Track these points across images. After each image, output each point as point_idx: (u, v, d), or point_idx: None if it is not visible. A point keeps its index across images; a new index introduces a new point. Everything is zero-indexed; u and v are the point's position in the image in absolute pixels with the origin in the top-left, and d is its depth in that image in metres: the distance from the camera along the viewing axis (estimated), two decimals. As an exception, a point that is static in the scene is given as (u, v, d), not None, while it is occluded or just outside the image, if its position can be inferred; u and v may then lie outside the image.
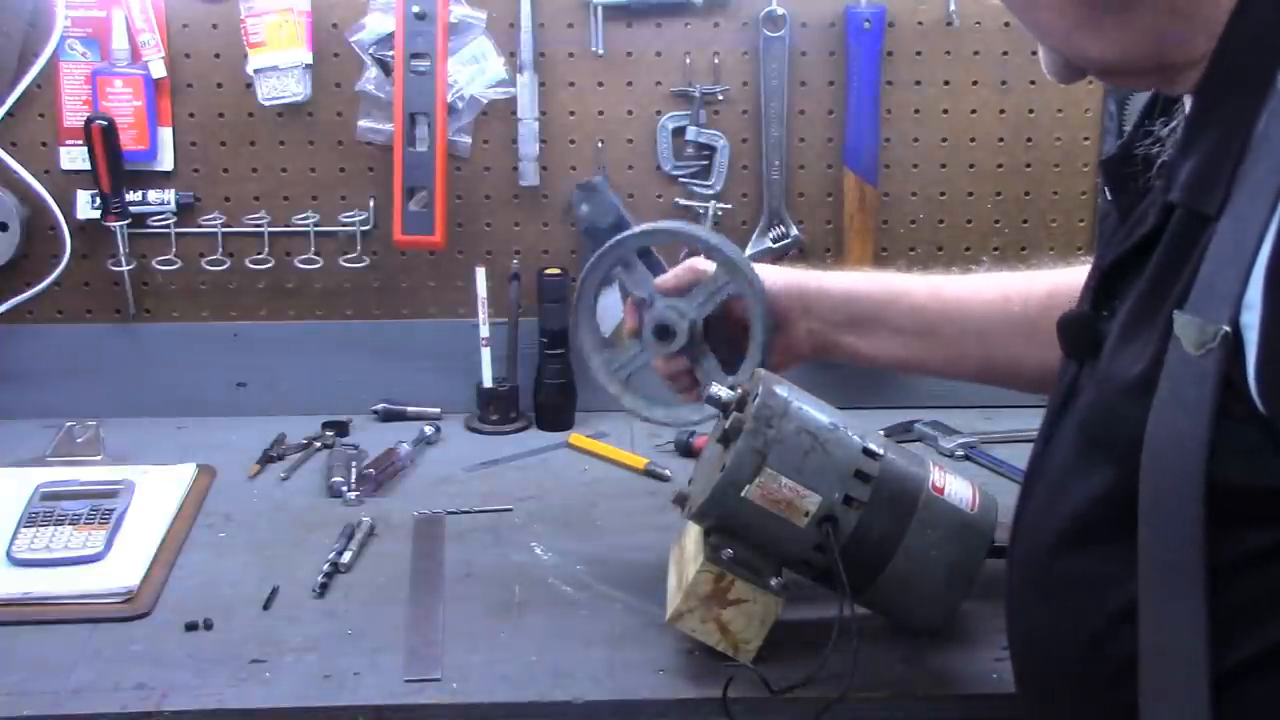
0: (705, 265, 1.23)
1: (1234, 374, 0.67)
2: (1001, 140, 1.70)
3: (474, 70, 1.62)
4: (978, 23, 1.65)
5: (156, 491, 1.41)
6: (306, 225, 1.66)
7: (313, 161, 1.67)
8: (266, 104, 1.61)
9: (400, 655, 1.12)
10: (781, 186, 1.67)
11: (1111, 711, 0.78)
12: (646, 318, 1.24)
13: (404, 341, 1.70)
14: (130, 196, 1.62)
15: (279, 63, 1.59)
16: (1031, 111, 1.69)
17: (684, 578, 1.11)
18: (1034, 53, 0.91)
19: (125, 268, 1.64)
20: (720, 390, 1.11)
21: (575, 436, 1.62)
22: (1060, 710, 0.86)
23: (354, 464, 1.50)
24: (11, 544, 1.27)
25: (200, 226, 1.66)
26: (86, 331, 1.68)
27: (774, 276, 1.23)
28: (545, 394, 1.67)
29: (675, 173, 1.68)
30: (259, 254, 1.67)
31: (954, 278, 1.24)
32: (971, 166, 1.71)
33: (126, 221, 1.62)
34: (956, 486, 1.11)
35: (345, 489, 1.44)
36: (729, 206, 1.68)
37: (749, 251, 1.68)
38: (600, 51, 1.64)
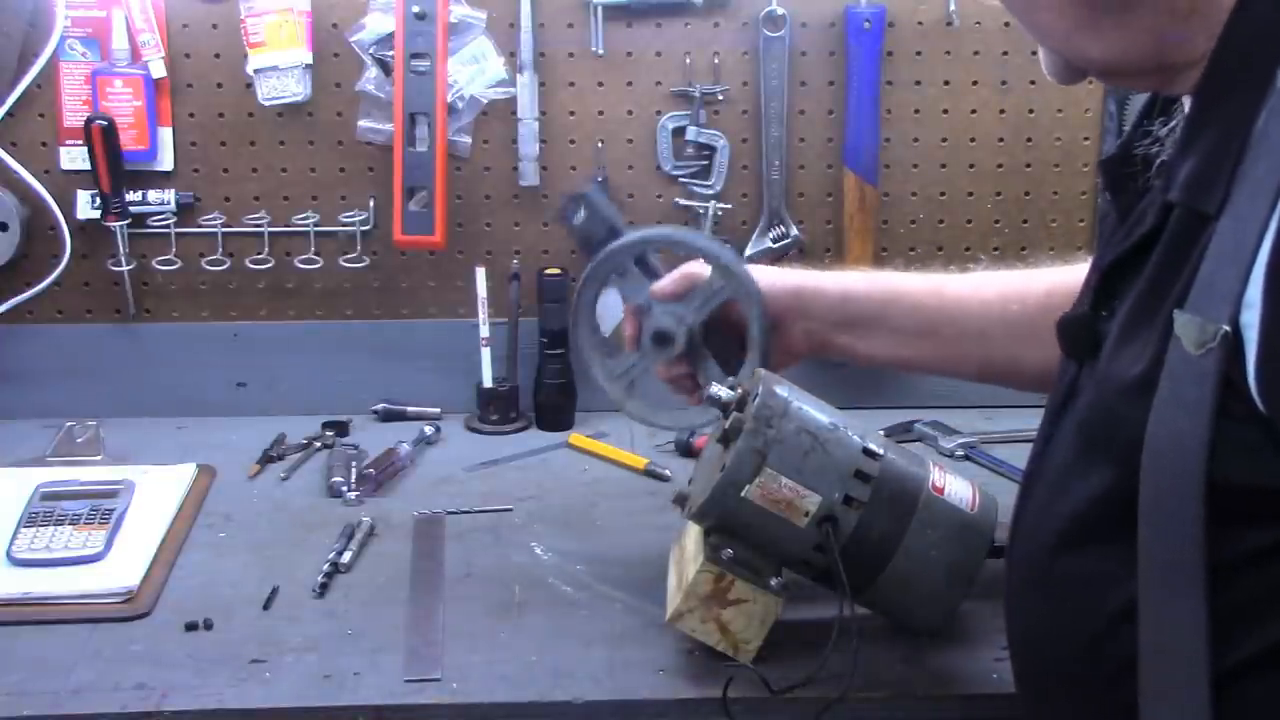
0: (701, 270, 1.23)
1: (1234, 373, 0.67)
2: (1001, 140, 1.70)
3: (474, 70, 1.62)
4: (978, 23, 1.65)
5: (156, 491, 1.41)
6: (306, 225, 1.66)
7: (313, 161, 1.67)
8: (266, 104, 1.61)
9: (400, 655, 1.12)
10: (781, 186, 1.67)
11: (1111, 711, 0.78)
12: (645, 325, 1.24)
13: (404, 341, 1.70)
14: (130, 196, 1.63)
15: (279, 63, 1.59)
16: (1031, 111, 1.69)
17: (684, 578, 1.11)
18: (1034, 53, 0.91)
19: (125, 268, 1.64)
20: (720, 390, 1.11)
21: (575, 436, 1.62)
22: (1060, 710, 0.86)
23: (354, 464, 1.50)
24: (11, 544, 1.27)
25: (200, 226, 1.66)
26: (86, 331, 1.68)
27: (771, 278, 1.23)
28: (545, 394, 1.67)
29: (675, 173, 1.68)
30: (259, 254, 1.67)
31: (953, 277, 1.24)
32: (971, 166, 1.71)
33: (126, 221, 1.62)
34: (956, 486, 1.11)
35: (345, 489, 1.44)
36: (729, 206, 1.68)
37: (749, 251, 1.68)
38: (600, 51, 1.64)
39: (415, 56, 1.58)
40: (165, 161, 1.65)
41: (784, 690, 1.03)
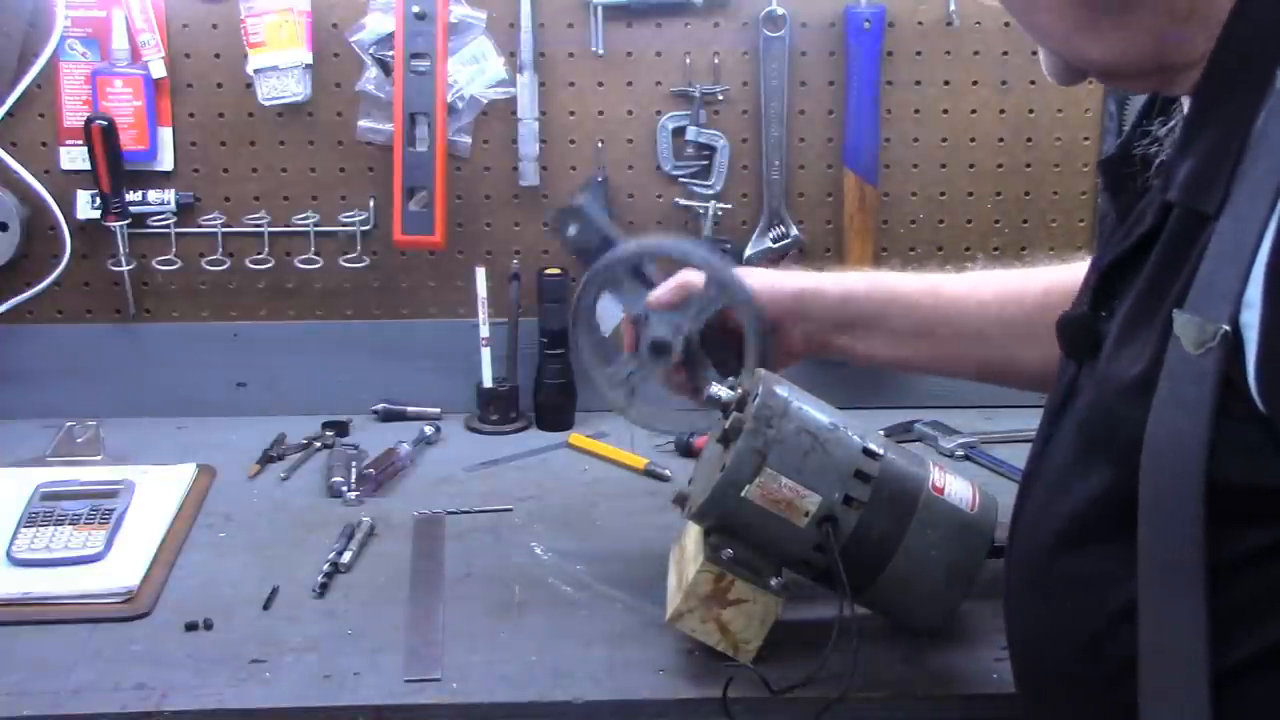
0: (695, 277, 1.23)
1: (1234, 373, 0.67)
2: (1001, 140, 1.70)
3: (474, 70, 1.62)
4: (978, 23, 1.65)
5: (156, 491, 1.41)
6: (306, 225, 1.66)
7: (313, 161, 1.67)
8: (266, 104, 1.61)
9: (400, 655, 1.12)
10: (781, 186, 1.67)
11: (1111, 711, 0.78)
12: (642, 334, 1.25)
13: (404, 341, 1.70)
14: (130, 196, 1.63)
15: (279, 63, 1.59)
16: (1031, 111, 1.69)
17: (684, 578, 1.11)
18: (1034, 53, 0.91)
19: (125, 268, 1.64)
20: (720, 390, 1.11)
21: (575, 436, 1.62)
22: (1060, 710, 0.86)
23: (354, 464, 1.50)
24: (11, 544, 1.27)
25: (200, 226, 1.66)
26: (86, 331, 1.68)
27: (770, 282, 1.22)
28: (545, 394, 1.67)
29: (675, 173, 1.68)
30: (259, 254, 1.67)
31: (950, 277, 1.24)
32: (971, 166, 1.71)
33: (126, 221, 1.62)
34: (956, 486, 1.11)
35: (345, 489, 1.44)
36: (729, 206, 1.68)
37: (749, 251, 1.68)
38: (600, 51, 1.64)
39: (415, 56, 1.58)
40: (165, 161, 1.65)
41: (784, 690, 1.03)
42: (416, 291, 1.71)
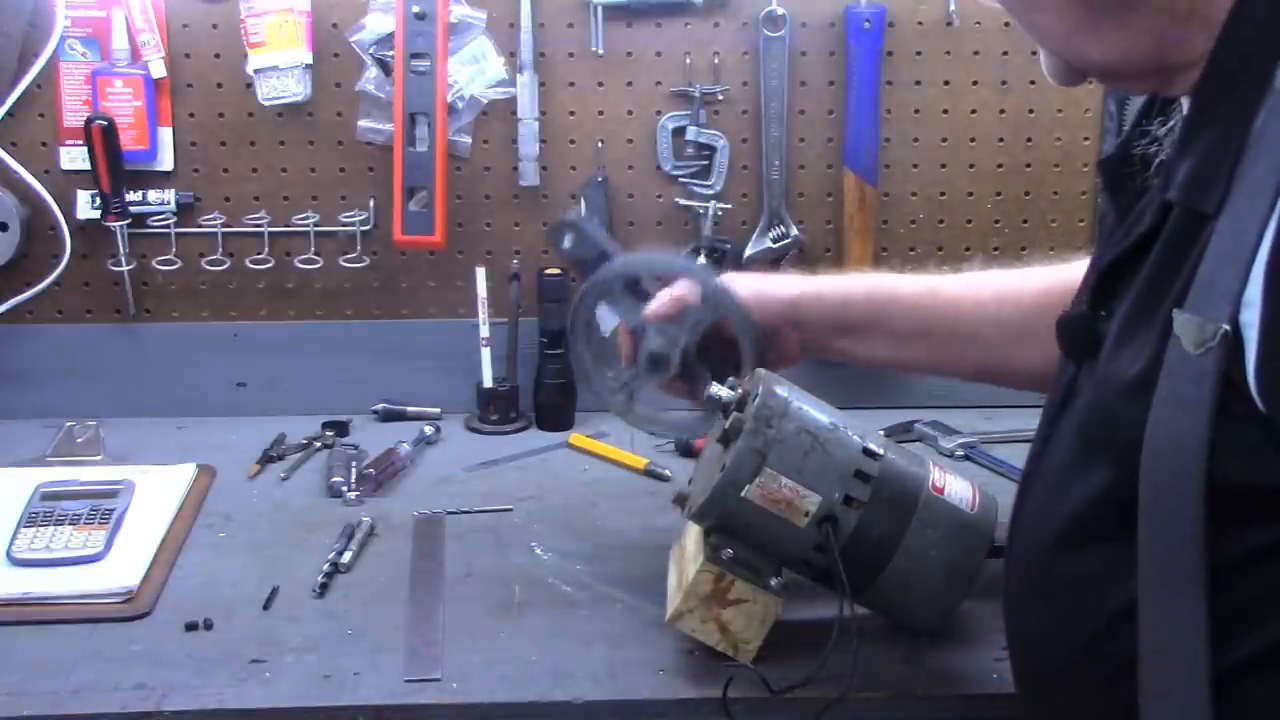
0: (690, 290, 1.23)
1: (1234, 372, 0.67)
2: (1001, 140, 1.70)
3: (474, 70, 1.62)
4: (978, 23, 1.65)
5: (156, 491, 1.41)
6: (306, 225, 1.66)
7: (313, 161, 1.67)
8: (266, 104, 1.61)
9: (400, 655, 1.12)
10: (781, 186, 1.67)
11: (1111, 711, 0.78)
12: (640, 344, 1.25)
13: (404, 341, 1.70)
14: (130, 196, 1.63)
15: (279, 63, 1.59)
16: (1031, 111, 1.69)
17: (684, 578, 1.11)
18: (1034, 53, 0.91)
19: (125, 268, 1.64)
20: (720, 390, 1.12)
21: (575, 436, 1.62)
22: (1060, 710, 0.86)
23: (354, 464, 1.50)
24: (11, 544, 1.27)
25: (200, 226, 1.66)
26: (86, 331, 1.68)
27: (766, 290, 1.22)
28: (545, 394, 1.67)
29: (675, 173, 1.68)
30: (259, 254, 1.67)
31: (949, 278, 1.24)
32: (971, 166, 1.71)
33: (126, 221, 1.62)
34: (956, 486, 1.11)
35: (345, 489, 1.44)
36: (729, 206, 1.68)
37: (749, 251, 1.68)
38: (600, 51, 1.64)
39: (415, 56, 1.58)
40: (165, 161, 1.65)
41: (784, 690, 1.03)
42: (416, 291, 1.71)
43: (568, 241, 1.30)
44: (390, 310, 1.71)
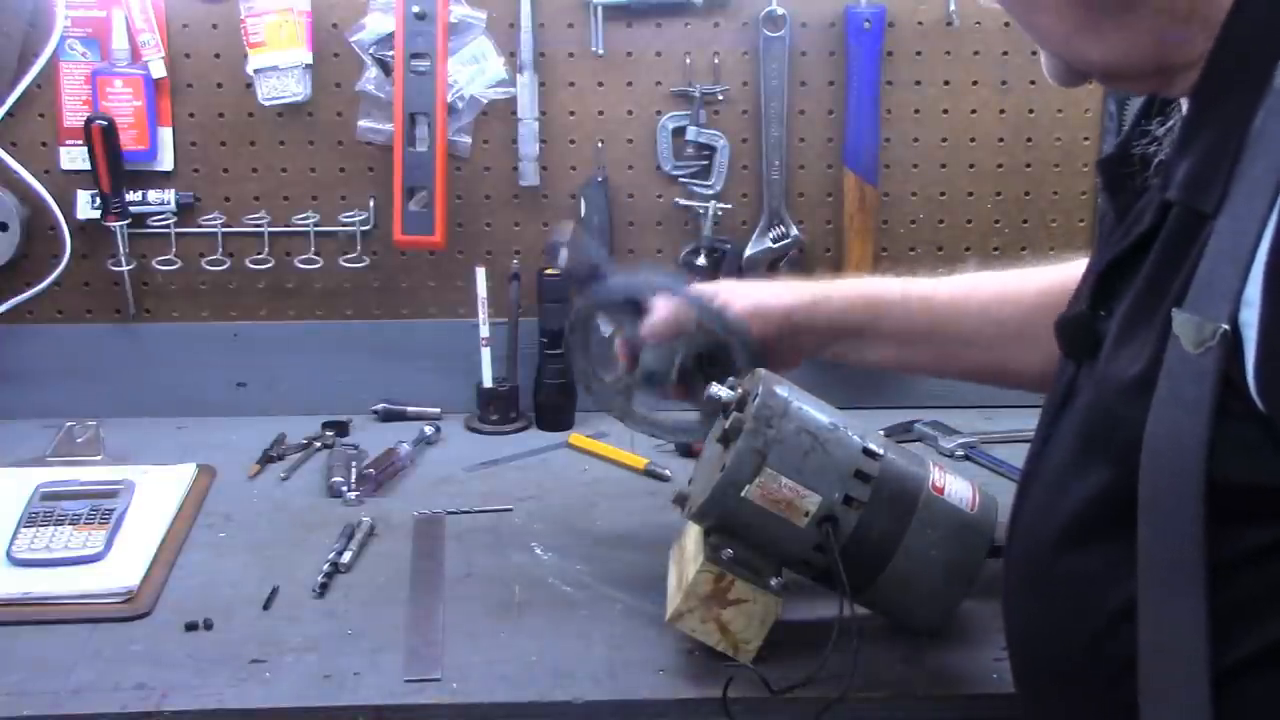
0: (686, 308, 1.22)
1: (1233, 372, 0.67)
2: (1001, 140, 1.70)
3: (474, 70, 1.62)
4: (978, 23, 1.66)
5: (156, 491, 1.41)
6: (306, 225, 1.66)
7: (313, 161, 1.67)
8: (266, 104, 1.61)
9: (400, 655, 1.12)
10: (781, 186, 1.67)
11: (1111, 711, 0.78)
12: (638, 355, 1.25)
13: (404, 341, 1.70)
14: (130, 196, 1.63)
15: (279, 63, 1.59)
16: (1031, 111, 1.69)
17: (684, 578, 1.11)
18: (1034, 53, 0.91)
19: (125, 268, 1.64)
20: (720, 390, 1.12)
21: (575, 436, 1.62)
22: (1060, 710, 0.86)
23: (354, 464, 1.50)
24: (11, 544, 1.27)
25: (200, 226, 1.66)
26: (86, 331, 1.68)
27: (763, 301, 1.22)
28: (545, 394, 1.67)
29: (675, 173, 1.68)
30: (259, 254, 1.67)
31: (947, 280, 1.24)
32: (971, 166, 1.71)
33: (126, 221, 1.62)
34: (956, 486, 1.11)
35: (345, 489, 1.44)
36: (729, 206, 1.68)
37: (749, 251, 1.68)
38: (600, 51, 1.64)
39: (415, 56, 1.58)
40: (165, 161, 1.65)
41: (784, 690, 1.03)
42: (416, 291, 1.71)
43: (562, 257, 1.30)
44: (390, 310, 1.71)
